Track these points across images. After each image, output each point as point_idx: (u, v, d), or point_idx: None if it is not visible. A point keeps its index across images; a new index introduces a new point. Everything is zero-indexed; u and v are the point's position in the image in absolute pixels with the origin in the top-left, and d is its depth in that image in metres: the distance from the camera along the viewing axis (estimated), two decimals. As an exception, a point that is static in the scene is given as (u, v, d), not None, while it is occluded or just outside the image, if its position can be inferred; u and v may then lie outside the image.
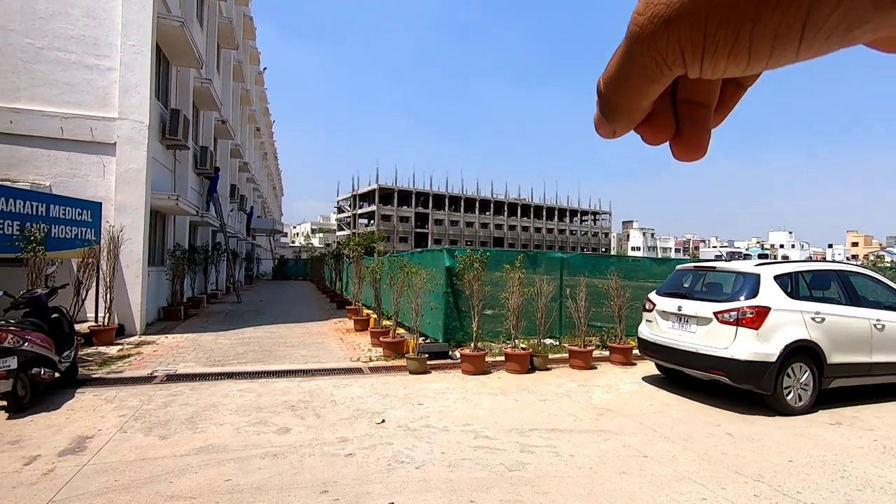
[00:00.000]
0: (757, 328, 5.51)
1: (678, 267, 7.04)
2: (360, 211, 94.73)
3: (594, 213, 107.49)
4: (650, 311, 6.83)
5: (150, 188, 10.30)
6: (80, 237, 9.00)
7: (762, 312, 5.55)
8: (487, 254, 7.74)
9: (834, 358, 5.76)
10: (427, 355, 7.38)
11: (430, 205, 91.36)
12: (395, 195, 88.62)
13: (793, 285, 5.93)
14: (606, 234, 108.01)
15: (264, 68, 41.29)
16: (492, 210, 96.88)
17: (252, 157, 33.16)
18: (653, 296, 6.92)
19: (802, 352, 5.63)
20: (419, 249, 11.11)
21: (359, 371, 7.20)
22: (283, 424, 4.80)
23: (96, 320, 9.14)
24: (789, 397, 5.56)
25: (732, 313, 5.66)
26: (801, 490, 3.67)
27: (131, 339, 9.36)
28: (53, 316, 5.97)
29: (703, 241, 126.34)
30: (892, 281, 6.64)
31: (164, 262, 12.58)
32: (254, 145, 34.15)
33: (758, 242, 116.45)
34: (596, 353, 8.49)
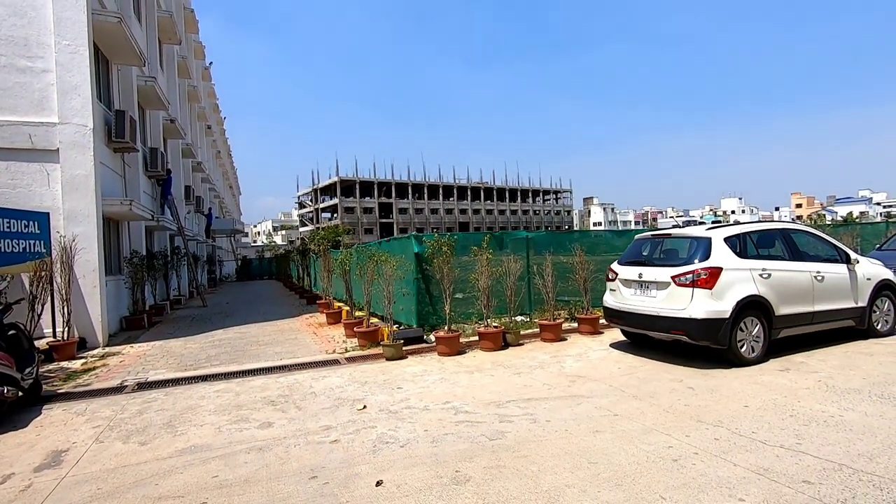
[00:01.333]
0: (711, 288, 5.87)
1: (637, 237, 7.38)
2: (321, 205, 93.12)
3: (556, 192, 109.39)
4: (613, 280, 7.14)
5: (100, 194, 9.88)
6: (28, 250, 8.58)
7: (715, 273, 5.92)
8: (455, 237, 7.87)
9: (781, 310, 6.21)
10: (402, 341, 7.49)
11: (394, 194, 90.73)
12: (357, 186, 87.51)
13: (741, 246, 6.33)
14: (569, 212, 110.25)
15: (210, 63, 39.65)
16: (455, 195, 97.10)
17: (205, 157, 32.01)
18: (615, 266, 7.24)
19: (753, 306, 6.04)
20: (387, 238, 11.11)
21: (336, 363, 7.24)
22: (265, 419, 4.82)
23: (54, 335, 8.78)
24: (743, 349, 5.98)
25: (688, 276, 6.00)
26: (755, 430, 4.01)
27: (94, 351, 9.05)
28: (10, 333, 5.73)
29: (661, 213, 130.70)
30: (830, 236, 7.17)
31: (121, 271, 12.13)
32: (206, 144, 32.94)
33: (711, 210, 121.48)
34: (566, 326, 8.82)
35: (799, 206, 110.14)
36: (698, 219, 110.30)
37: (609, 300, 7.17)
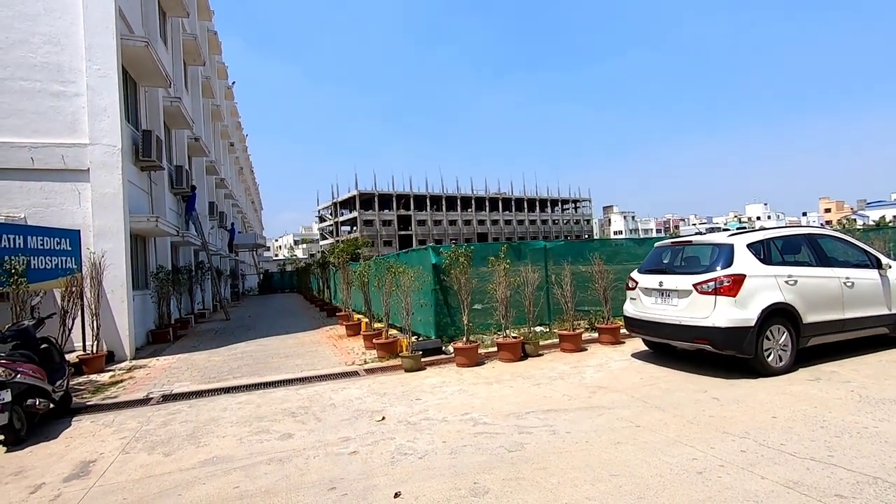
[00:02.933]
0: (734, 295, 5.74)
1: (656, 244, 7.28)
2: (341, 218, 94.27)
3: (575, 201, 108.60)
4: (633, 289, 7.04)
5: (128, 211, 10.21)
6: (61, 266, 8.89)
7: (738, 280, 5.78)
8: (472, 248, 7.88)
9: (809, 317, 6.03)
10: (420, 352, 7.49)
11: (412, 206, 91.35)
12: (376, 199, 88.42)
13: (765, 252, 6.18)
14: (588, 221, 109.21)
15: (233, 83, 40.86)
16: (473, 206, 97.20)
17: (228, 173, 32.83)
18: (635, 274, 7.14)
19: (779, 314, 5.88)
20: (405, 250, 11.19)
21: (355, 374, 7.28)
22: (286, 431, 4.87)
23: (84, 348, 9.05)
24: (770, 359, 5.81)
25: (710, 283, 5.88)
26: (784, 442, 3.88)
27: (122, 364, 9.29)
28: (42, 346, 5.94)
29: (683, 220, 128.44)
30: (860, 241, 6.95)
31: (148, 285, 12.46)
32: (229, 161, 33.80)
33: (735, 216, 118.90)
34: (585, 336, 8.71)
35: (828, 210, 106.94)
36: (722, 226, 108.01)
37: (629, 309, 7.07)
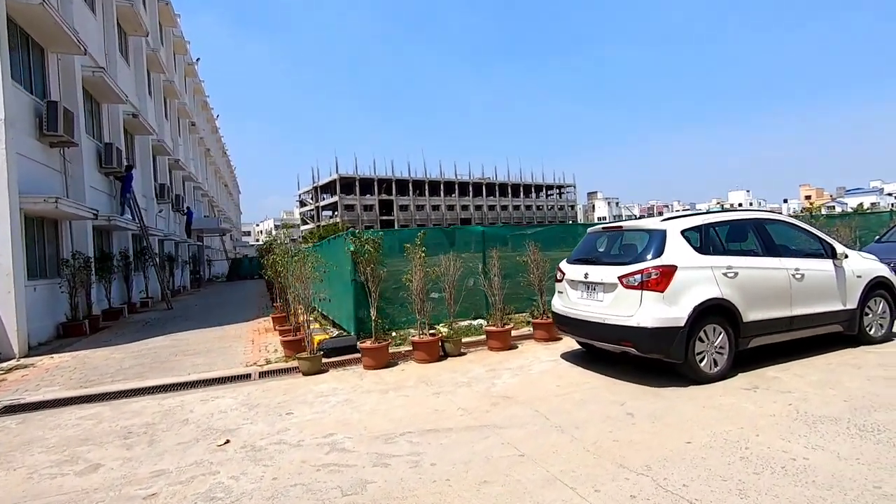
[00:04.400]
0: (662, 290, 4.90)
1: (589, 230, 6.40)
2: (322, 203, 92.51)
3: (559, 187, 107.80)
4: (560, 281, 6.19)
5: (17, 191, 9.05)
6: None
7: (667, 272, 4.94)
8: (379, 235, 6.96)
9: (750, 315, 5.22)
10: (322, 353, 6.59)
11: (394, 191, 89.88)
12: (357, 184, 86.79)
13: (703, 239, 5.34)
14: (573, 207, 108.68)
15: (197, 59, 38.91)
16: (457, 191, 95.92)
17: (188, 154, 31.30)
18: (563, 264, 6.27)
19: (715, 312, 5.06)
20: (334, 235, 10.21)
21: (246, 378, 6.36)
22: (97, 460, 3.93)
23: (-40, 346, 7.99)
24: (703, 363, 5.00)
25: (636, 276, 5.03)
26: (688, 482, 3.05)
27: (4, 364, 8.25)
28: None
29: (667, 206, 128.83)
30: (814, 227, 6.14)
31: (59, 274, 11.32)
32: (190, 141, 32.22)
33: (718, 202, 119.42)
34: (522, 332, 7.89)
35: (808, 197, 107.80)
36: (704, 212, 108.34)
37: (556, 304, 6.22)
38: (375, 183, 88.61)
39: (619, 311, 5.14)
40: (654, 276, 4.93)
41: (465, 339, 7.56)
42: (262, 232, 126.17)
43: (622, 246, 5.84)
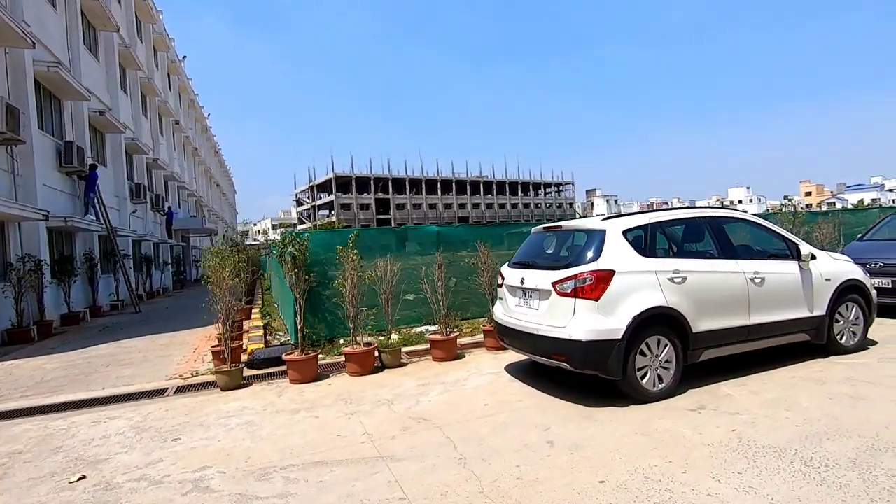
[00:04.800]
0: (597, 298, 4.34)
1: (533, 230, 5.83)
2: (319, 202, 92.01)
3: (557, 185, 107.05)
4: (501, 286, 5.64)
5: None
6: None
7: (603, 278, 4.38)
8: (306, 237, 6.42)
9: (701, 325, 4.67)
10: (252, 364, 6.07)
11: (391, 189, 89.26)
12: (353, 182, 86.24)
13: (647, 240, 4.78)
14: (571, 205, 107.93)
15: (183, 57, 38.49)
16: (454, 190, 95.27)
17: (174, 154, 30.82)
18: (504, 268, 5.72)
19: (659, 321, 4.51)
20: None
21: (160, 393, 5.84)
22: (-78, 501, 3.41)
23: None
24: (645, 380, 4.45)
25: (569, 282, 4.48)
26: (580, 539, 2.51)
27: (-77, 375, 7.73)
28: None
29: (666, 203, 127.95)
30: (777, 226, 5.57)
31: (6, 278, 10.80)
32: (176, 140, 31.72)
33: (718, 199, 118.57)
34: (474, 339, 7.36)
35: (808, 194, 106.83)
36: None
37: (497, 312, 5.67)
38: (372, 181, 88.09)
39: (552, 321, 4.60)
40: (588, 283, 4.38)
41: (411, 349, 7.05)
42: (259, 232, 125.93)
43: (562, 248, 5.29)
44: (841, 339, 5.57)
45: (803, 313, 5.27)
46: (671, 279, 4.59)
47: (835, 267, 5.57)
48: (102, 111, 17.16)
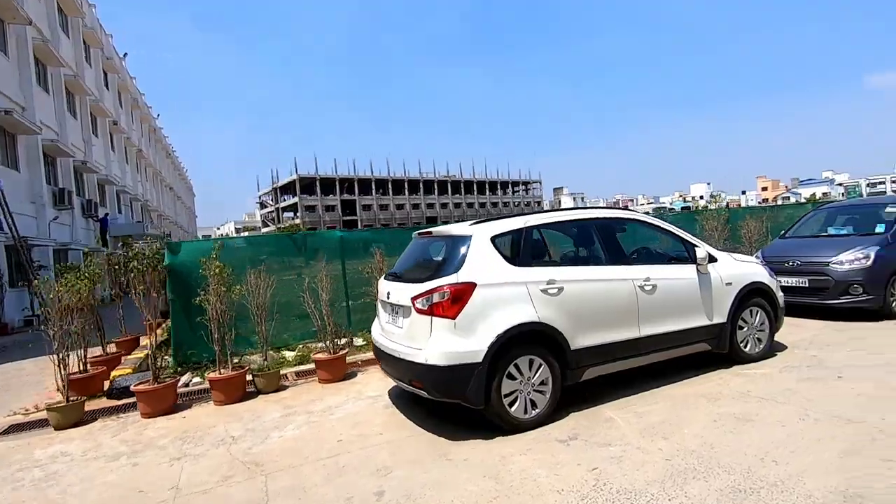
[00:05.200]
0: (453, 316, 3.77)
1: (414, 234, 5.22)
2: (282, 204, 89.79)
3: (525, 184, 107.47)
4: (377, 300, 5.02)
5: None
6: None
7: (461, 292, 3.81)
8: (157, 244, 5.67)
9: (582, 341, 4.16)
10: (84, 398, 5.27)
11: (357, 190, 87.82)
12: (318, 183, 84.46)
13: (521, 247, 4.24)
14: (539, 203, 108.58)
15: (124, 54, 36.63)
16: (422, 190, 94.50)
17: (113, 156, 29.14)
18: (381, 279, 5.11)
19: (530, 340, 3.98)
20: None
21: (-16, 434, 4.99)
22: None
23: None
24: (515, 407, 3.90)
25: (425, 298, 3.89)
26: None
27: None
28: None
29: (632, 200, 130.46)
30: (673, 226, 5.12)
31: None
32: (112, 142, 29.98)
33: (680, 196, 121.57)
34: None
35: (765, 188, 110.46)
36: (668, 205, 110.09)
37: (374, 330, 5.05)
38: (337, 182, 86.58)
39: (412, 342, 4.01)
40: (444, 298, 3.80)
41: (302, 368, 6.38)
42: (222, 236, 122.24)
43: (431, 257, 4.71)
44: (745, 346, 5.17)
45: (702, 321, 4.83)
46: (545, 291, 4.05)
47: (737, 269, 5.16)
48: (10, 110, 15.79)
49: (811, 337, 6.08)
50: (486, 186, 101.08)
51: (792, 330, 6.32)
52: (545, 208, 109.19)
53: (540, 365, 4.00)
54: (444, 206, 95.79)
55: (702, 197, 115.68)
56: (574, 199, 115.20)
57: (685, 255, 4.96)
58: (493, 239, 4.14)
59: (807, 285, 6.98)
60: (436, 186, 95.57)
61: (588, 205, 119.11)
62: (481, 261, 3.99)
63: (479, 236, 4.12)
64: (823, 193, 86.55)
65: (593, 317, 4.23)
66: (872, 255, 6.59)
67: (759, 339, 5.26)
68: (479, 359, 3.73)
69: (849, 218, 8.07)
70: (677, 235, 5.00)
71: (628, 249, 4.88)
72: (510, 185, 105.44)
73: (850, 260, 6.70)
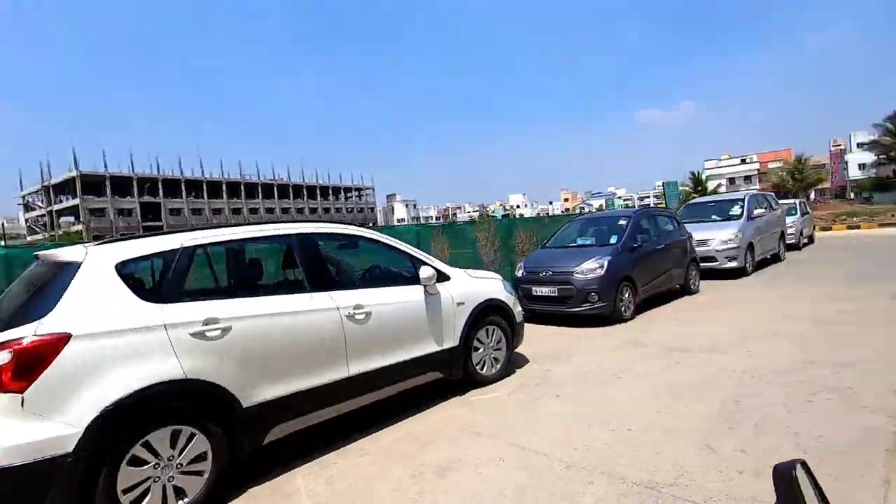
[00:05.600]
0: (20, 389, 2.48)
1: (35, 254, 3.72)
2: (58, 206, 73.08)
3: (358, 189, 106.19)
4: None
5: None
6: None
7: (40, 350, 2.54)
8: None
9: (261, 393, 3.22)
10: None
11: (162, 192, 76.12)
12: (108, 182, 71.02)
13: (169, 276, 3.13)
14: (372, 209, 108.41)
15: None
16: (243, 193, 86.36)
17: None
18: None
19: (172, 404, 2.89)
20: None
21: None
22: None
23: None
24: (146, 500, 2.77)
25: None
26: None
27: None
28: None
29: (460, 208, 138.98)
30: (400, 243, 4.57)
31: None
32: None
33: (501, 205, 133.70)
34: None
35: (566, 199, 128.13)
36: (491, 214, 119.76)
37: None
38: (135, 182, 74.05)
39: None
40: (6, 361, 2.48)
41: None
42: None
43: (24, 292, 3.31)
44: (482, 369, 4.87)
45: (429, 348, 4.33)
46: (201, 334, 3.01)
47: (470, 287, 4.84)
48: None
49: (552, 350, 5.98)
50: (318, 191, 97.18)
51: (546, 338, 6.49)
52: (378, 216, 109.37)
53: (191, 436, 2.94)
54: (269, 210, 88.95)
55: (518, 206, 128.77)
56: (406, 205, 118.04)
57: (413, 274, 4.43)
58: (121, 266, 2.95)
59: (556, 294, 7.27)
60: (260, 190, 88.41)
61: (421, 211, 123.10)
62: (91, 298, 2.77)
63: (96, 262, 2.89)
64: (604, 203, 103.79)
65: (279, 361, 3.34)
66: (605, 264, 7.12)
67: (496, 360, 5.02)
68: (70, 447, 2.51)
69: (596, 229, 8.82)
70: (403, 252, 4.45)
71: (349, 271, 4.15)
72: (342, 191, 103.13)
73: (589, 269, 7.14)
